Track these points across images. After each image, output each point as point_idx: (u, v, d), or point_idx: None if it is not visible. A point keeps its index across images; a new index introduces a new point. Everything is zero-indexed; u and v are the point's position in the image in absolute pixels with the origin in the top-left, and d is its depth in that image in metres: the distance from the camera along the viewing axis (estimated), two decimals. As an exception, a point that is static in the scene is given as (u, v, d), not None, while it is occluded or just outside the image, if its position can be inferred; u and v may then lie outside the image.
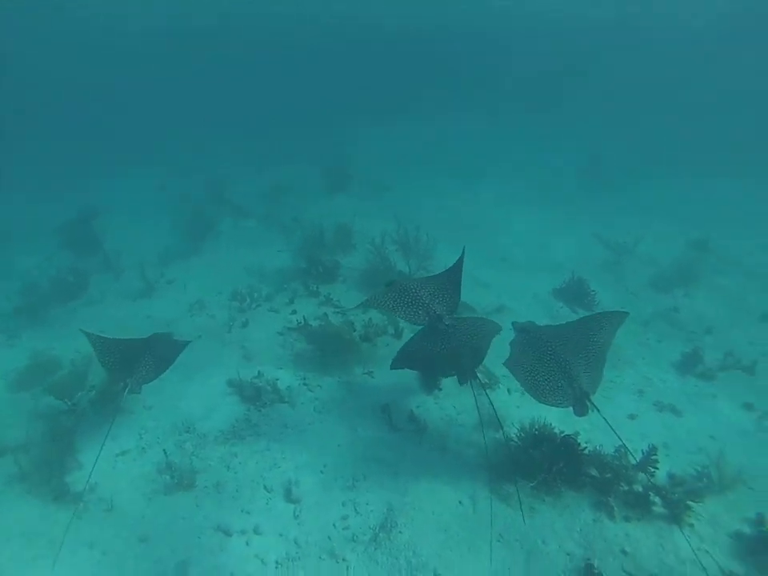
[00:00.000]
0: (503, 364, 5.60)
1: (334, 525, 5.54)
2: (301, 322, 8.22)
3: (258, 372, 7.58)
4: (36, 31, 29.12)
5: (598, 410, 5.02)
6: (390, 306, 6.10)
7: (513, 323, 6.11)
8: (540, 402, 5.13)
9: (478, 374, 7.36)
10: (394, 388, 7.54)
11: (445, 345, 5.70)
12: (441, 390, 7.45)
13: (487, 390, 7.44)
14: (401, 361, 6.01)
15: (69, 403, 7.20)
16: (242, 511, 5.75)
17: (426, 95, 33.91)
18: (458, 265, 6.31)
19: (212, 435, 6.80)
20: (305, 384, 7.60)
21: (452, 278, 6.32)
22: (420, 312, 5.98)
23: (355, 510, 5.70)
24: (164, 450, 6.29)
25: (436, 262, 10.51)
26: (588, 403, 4.98)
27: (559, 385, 5.04)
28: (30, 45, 32.36)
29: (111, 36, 33.17)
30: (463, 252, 6.31)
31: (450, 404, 7.26)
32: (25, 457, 6.47)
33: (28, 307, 9.87)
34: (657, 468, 5.50)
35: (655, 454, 5.49)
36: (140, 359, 6.33)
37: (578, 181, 18.82)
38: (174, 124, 28.54)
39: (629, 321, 9.52)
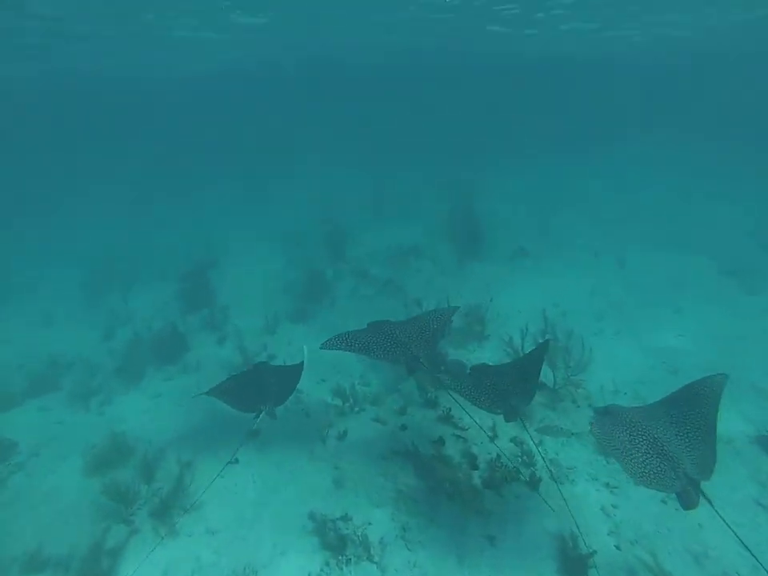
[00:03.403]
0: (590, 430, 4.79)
1: None
2: (410, 448, 6.42)
3: (346, 513, 5.88)
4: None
5: (711, 504, 4.11)
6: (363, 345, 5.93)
7: (594, 408, 5.58)
8: (643, 486, 4.29)
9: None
10: (520, 568, 5.39)
11: (492, 381, 5.46)
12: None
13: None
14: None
15: (126, 511, 6.07)
16: None
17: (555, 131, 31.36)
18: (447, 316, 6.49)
19: (275, 596, 5.19)
20: (403, 537, 5.72)
21: (437, 320, 6.33)
22: (397, 351, 5.84)
23: None
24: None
25: (590, 376, 8.10)
26: (698, 493, 4.19)
27: (661, 468, 4.32)
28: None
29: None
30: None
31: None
32: (64, 576, 5.44)
33: (127, 368, 9.27)
34: None
35: None
36: (266, 385, 6.35)
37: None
38: (302, 170, 27.75)
39: None
